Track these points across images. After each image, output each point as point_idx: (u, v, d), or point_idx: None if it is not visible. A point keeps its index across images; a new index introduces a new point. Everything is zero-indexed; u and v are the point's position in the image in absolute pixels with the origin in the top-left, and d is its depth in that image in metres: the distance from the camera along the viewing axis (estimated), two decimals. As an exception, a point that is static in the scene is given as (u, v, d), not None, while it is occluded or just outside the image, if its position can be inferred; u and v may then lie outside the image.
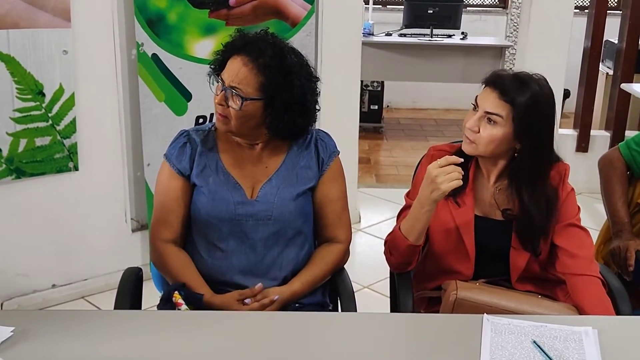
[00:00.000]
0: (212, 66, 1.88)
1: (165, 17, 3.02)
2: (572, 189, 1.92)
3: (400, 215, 1.98)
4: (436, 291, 1.91)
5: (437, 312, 1.78)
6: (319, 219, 1.96)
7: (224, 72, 1.80)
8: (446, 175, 1.71)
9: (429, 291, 1.96)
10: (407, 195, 2.01)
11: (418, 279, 2.04)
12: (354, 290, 1.94)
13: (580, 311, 1.78)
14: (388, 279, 2.17)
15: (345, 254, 1.97)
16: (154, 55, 3.03)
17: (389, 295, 2.20)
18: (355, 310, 1.84)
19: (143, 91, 3.05)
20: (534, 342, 1.50)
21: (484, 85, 1.86)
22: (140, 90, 3.04)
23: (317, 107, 1.89)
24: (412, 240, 1.84)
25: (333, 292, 2.00)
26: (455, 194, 1.90)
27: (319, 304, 1.93)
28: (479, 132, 1.81)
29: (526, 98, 1.77)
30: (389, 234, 1.96)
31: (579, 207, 1.94)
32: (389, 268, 2.12)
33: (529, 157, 1.83)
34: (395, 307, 2.03)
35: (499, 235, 1.90)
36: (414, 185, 2.00)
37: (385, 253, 1.98)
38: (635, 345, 1.55)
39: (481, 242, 1.91)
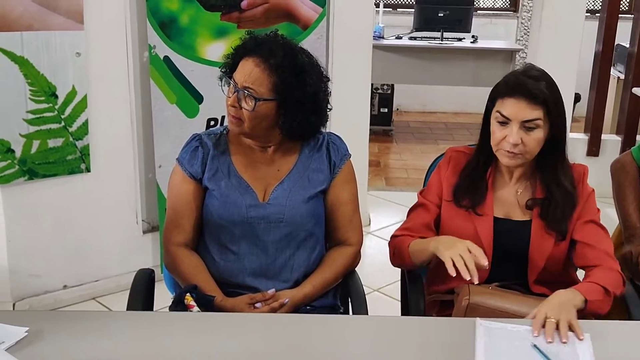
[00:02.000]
0: (223, 69, 1.89)
1: (177, 19, 3.03)
2: (593, 190, 1.94)
3: (412, 212, 2.00)
4: (448, 295, 1.91)
5: (449, 316, 1.77)
6: (330, 222, 1.96)
7: (235, 74, 1.81)
8: (464, 258, 1.67)
9: (441, 294, 1.96)
10: (421, 193, 2.02)
11: (430, 281, 2.04)
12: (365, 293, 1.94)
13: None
14: (398, 282, 2.17)
15: (357, 257, 1.98)
16: (166, 58, 3.04)
17: (399, 298, 2.20)
18: (367, 313, 1.84)
19: (155, 93, 3.06)
20: (535, 345, 1.50)
21: (503, 96, 1.82)
22: (152, 93, 3.06)
23: (329, 107, 1.89)
24: (415, 262, 1.88)
25: (344, 295, 2.00)
26: (474, 206, 1.90)
27: (330, 306, 1.93)
28: (522, 143, 1.80)
29: (549, 91, 1.79)
30: (397, 234, 1.96)
31: (599, 209, 1.95)
32: (399, 271, 2.13)
33: (560, 142, 1.86)
34: (406, 310, 2.02)
35: (518, 235, 1.90)
36: (429, 185, 2.01)
37: (389, 249, 1.99)
38: (626, 349, 1.55)
39: (499, 243, 1.91)
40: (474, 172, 1.92)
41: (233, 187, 1.87)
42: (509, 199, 1.93)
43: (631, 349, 1.55)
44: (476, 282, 1.66)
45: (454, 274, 1.66)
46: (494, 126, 1.83)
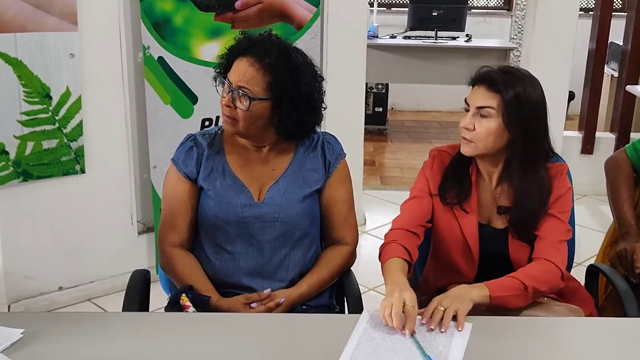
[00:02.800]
0: (217, 69, 1.89)
1: (171, 20, 3.03)
2: (570, 187, 1.91)
3: (404, 206, 1.98)
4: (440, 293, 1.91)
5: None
6: (325, 221, 1.96)
7: (230, 74, 1.81)
8: (393, 308, 1.57)
9: (435, 293, 1.96)
10: (413, 188, 2.01)
11: (426, 280, 2.05)
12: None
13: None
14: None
15: (352, 256, 1.98)
16: (160, 58, 3.04)
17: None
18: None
19: (149, 94, 3.06)
20: (413, 335, 1.53)
21: (471, 86, 1.87)
22: (146, 93, 3.05)
23: (324, 106, 1.90)
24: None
25: (340, 294, 2.00)
26: (461, 201, 1.91)
27: (325, 305, 1.94)
28: (474, 129, 1.82)
29: (512, 85, 1.79)
30: (388, 238, 1.91)
31: (570, 205, 1.91)
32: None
33: (522, 145, 1.82)
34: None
35: (499, 242, 1.90)
36: (417, 181, 1.99)
37: (380, 249, 1.93)
38: (503, 344, 1.55)
39: (484, 248, 1.91)
40: (458, 167, 1.93)
41: (228, 186, 1.87)
42: (489, 203, 1.93)
43: (509, 344, 1.55)
44: (408, 335, 1.55)
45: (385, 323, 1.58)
46: (462, 115, 1.87)
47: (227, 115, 1.81)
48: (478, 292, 1.69)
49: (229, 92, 1.80)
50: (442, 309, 1.61)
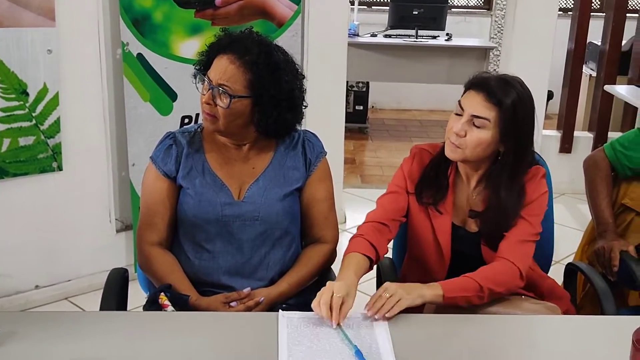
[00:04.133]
0: (197, 66, 1.88)
1: (150, 16, 3.00)
2: (546, 192, 1.88)
3: (380, 201, 1.96)
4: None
5: (422, 312, 1.78)
6: (305, 220, 1.96)
7: (210, 71, 1.80)
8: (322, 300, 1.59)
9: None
10: (390, 183, 1.99)
11: (403, 277, 2.06)
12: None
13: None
14: (374, 279, 2.17)
15: (332, 254, 1.98)
16: (139, 55, 3.01)
17: (375, 295, 2.20)
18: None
19: (128, 91, 3.03)
20: (339, 325, 1.54)
21: (467, 89, 1.83)
22: (125, 90, 3.03)
23: (304, 104, 1.89)
24: None
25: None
26: (436, 202, 1.89)
27: (306, 304, 1.92)
28: (465, 136, 1.78)
29: (512, 100, 1.75)
30: (358, 231, 1.90)
31: (541, 210, 1.88)
32: (375, 268, 2.13)
33: (512, 158, 1.81)
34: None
35: (472, 245, 1.90)
36: (394, 177, 1.98)
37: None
38: (421, 328, 1.59)
39: (457, 249, 1.91)
40: (437, 168, 1.91)
41: (207, 185, 1.86)
42: (465, 206, 1.92)
43: (485, 342, 1.56)
44: (333, 325, 1.57)
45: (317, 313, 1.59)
46: (452, 115, 1.83)
47: (207, 112, 1.80)
48: (431, 291, 1.70)
49: (209, 89, 1.78)
50: (387, 295, 1.63)
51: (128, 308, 1.96)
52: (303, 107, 1.89)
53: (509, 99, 1.75)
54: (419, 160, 1.94)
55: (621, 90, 4.27)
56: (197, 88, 1.86)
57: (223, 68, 1.77)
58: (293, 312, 1.62)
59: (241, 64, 1.76)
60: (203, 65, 1.85)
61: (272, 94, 1.78)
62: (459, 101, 1.82)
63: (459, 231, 1.91)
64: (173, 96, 3.12)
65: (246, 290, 1.81)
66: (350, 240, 1.86)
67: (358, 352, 1.44)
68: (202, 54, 1.87)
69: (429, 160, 1.93)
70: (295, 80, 1.85)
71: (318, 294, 1.61)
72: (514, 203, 1.82)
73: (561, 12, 4.83)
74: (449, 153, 1.83)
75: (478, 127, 1.77)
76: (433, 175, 1.91)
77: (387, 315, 1.61)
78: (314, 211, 1.94)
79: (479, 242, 1.90)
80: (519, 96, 1.77)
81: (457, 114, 1.81)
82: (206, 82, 1.80)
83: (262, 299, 1.80)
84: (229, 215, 1.84)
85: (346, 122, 4.17)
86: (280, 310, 1.63)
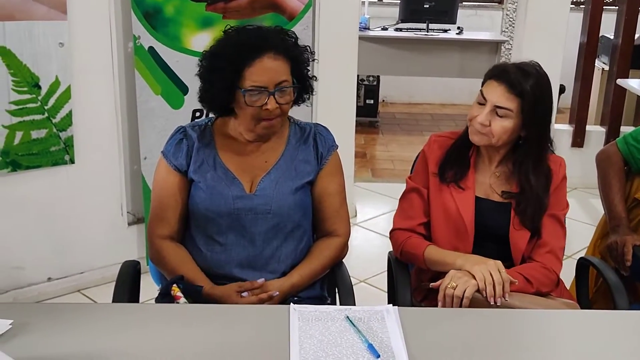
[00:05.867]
0: (227, 84, 1.77)
1: (162, 10, 3.00)
2: (565, 177, 1.98)
3: (406, 198, 2.03)
4: (434, 282, 1.91)
5: (436, 305, 1.78)
6: (317, 213, 1.96)
7: (252, 80, 1.74)
8: (494, 278, 1.74)
9: (426, 282, 1.97)
10: (410, 178, 2.06)
11: (418, 270, 2.06)
12: (352, 284, 1.94)
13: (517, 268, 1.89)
14: (384, 273, 2.18)
15: (344, 248, 1.98)
16: (151, 48, 3.01)
17: (385, 289, 2.20)
18: (354, 304, 1.84)
19: (140, 84, 3.04)
20: (347, 317, 1.54)
21: (488, 79, 1.89)
22: (137, 84, 3.03)
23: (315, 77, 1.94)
24: (430, 268, 1.93)
25: (331, 286, 2.00)
26: (457, 180, 1.95)
27: (317, 297, 1.93)
28: (489, 125, 1.86)
29: (532, 88, 1.83)
30: (402, 228, 2.00)
31: (567, 203, 1.98)
32: (386, 262, 2.13)
33: (535, 144, 1.90)
34: (393, 300, 2.03)
35: (498, 215, 1.94)
36: (416, 170, 2.06)
37: (392, 242, 2.04)
38: (432, 322, 1.61)
39: (481, 221, 1.94)
40: (459, 149, 1.98)
41: (219, 178, 1.86)
42: (488, 181, 1.97)
43: (501, 336, 1.56)
44: (499, 303, 1.72)
45: (484, 294, 1.74)
46: (474, 103, 1.91)
47: (271, 118, 1.80)
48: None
49: (269, 95, 1.76)
50: (451, 290, 1.74)
51: (140, 301, 1.97)
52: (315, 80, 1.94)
53: (528, 88, 1.83)
54: (438, 145, 2.02)
55: (634, 84, 4.24)
56: (245, 104, 1.77)
57: (273, 68, 1.77)
58: (305, 305, 1.62)
59: (282, 57, 1.79)
60: (229, 84, 1.77)
61: (305, 72, 1.86)
62: (481, 90, 1.90)
63: (483, 203, 1.96)
64: (184, 90, 3.13)
65: (260, 281, 1.81)
66: (398, 237, 1.99)
67: (371, 346, 1.44)
68: (224, 69, 1.76)
69: (451, 144, 2.00)
70: (310, 57, 1.91)
71: (483, 276, 1.74)
72: (544, 186, 1.92)
73: (573, 6, 4.81)
74: (475, 138, 1.91)
75: (501, 117, 1.85)
76: (455, 156, 1.98)
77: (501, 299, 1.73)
78: (325, 205, 1.94)
79: (504, 213, 1.94)
80: (538, 83, 1.85)
81: (479, 103, 1.89)
82: (257, 92, 1.75)
83: (277, 293, 1.80)
84: (241, 209, 1.84)
85: (357, 116, 4.16)
86: (291, 303, 1.63)
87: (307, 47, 1.89)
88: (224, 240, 1.86)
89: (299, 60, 1.83)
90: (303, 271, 1.88)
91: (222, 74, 1.77)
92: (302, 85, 1.88)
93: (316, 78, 1.93)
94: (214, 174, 1.87)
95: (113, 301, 1.81)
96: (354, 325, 1.52)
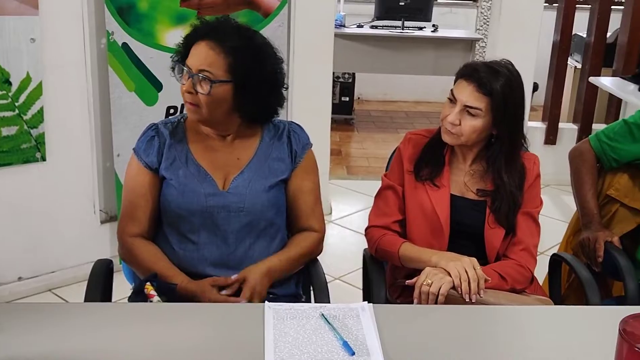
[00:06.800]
0: (175, 58, 1.87)
1: (135, 5, 2.97)
2: (539, 175, 2.00)
3: (381, 196, 2.04)
4: (409, 279, 1.92)
5: (412, 302, 1.79)
6: (292, 211, 1.95)
7: (189, 60, 1.79)
8: (469, 275, 1.75)
9: (401, 279, 1.97)
10: (385, 175, 2.07)
11: (393, 267, 2.06)
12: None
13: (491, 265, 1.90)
14: (360, 270, 2.18)
15: (320, 243, 1.97)
16: (125, 45, 2.98)
17: (360, 286, 2.20)
18: (329, 302, 1.84)
19: (113, 81, 3.00)
20: (322, 315, 1.54)
21: (458, 79, 1.90)
22: (110, 80, 3.00)
23: (285, 86, 1.90)
24: (405, 265, 1.94)
25: (306, 284, 2.00)
26: (433, 177, 1.96)
27: (292, 295, 1.93)
28: (459, 124, 1.86)
29: (501, 87, 1.84)
30: (377, 225, 2.01)
31: (541, 200, 2.00)
32: (361, 260, 2.13)
33: (507, 142, 1.91)
34: (367, 298, 2.03)
35: (473, 213, 1.96)
36: (392, 167, 2.06)
37: (368, 240, 2.04)
38: (407, 319, 1.62)
39: (456, 219, 1.95)
40: (434, 147, 1.99)
41: (191, 175, 1.85)
42: (463, 179, 1.98)
43: (474, 332, 1.57)
44: (474, 300, 1.73)
45: (459, 291, 1.75)
46: (445, 102, 1.92)
47: (190, 102, 1.79)
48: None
49: (189, 77, 1.77)
50: (427, 287, 1.75)
51: (113, 300, 1.95)
52: (284, 89, 1.89)
53: (498, 87, 1.83)
54: (414, 143, 2.02)
55: (606, 82, 4.29)
56: (177, 79, 1.84)
57: (203, 54, 1.76)
58: (280, 303, 1.62)
59: (221, 50, 1.76)
60: (181, 55, 1.84)
61: (254, 78, 1.78)
62: (452, 90, 1.91)
63: (458, 201, 1.96)
64: (158, 86, 3.10)
65: (234, 277, 1.80)
66: (373, 235, 2.00)
67: (345, 344, 1.44)
68: (180, 45, 1.86)
69: (426, 142, 2.01)
70: (276, 63, 1.85)
71: (458, 272, 1.75)
72: (517, 184, 1.94)
73: (547, 4, 4.86)
74: (446, 138, 1.92)
75: (471, 116, 1.86)
76: (430, 154, 1.98)
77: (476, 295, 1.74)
78: (300, 202, 1.94)
79: (479, 210, 1.95)
80: (508, 83, 1.86)
81: (450, 101, 1.90)
82: (185, 71, 1.79)
83: (244, 301, 1.77)
84: (214, 206, 1.83)
85: (332, 113, 4.17)
86: (266, 301, 1.62)
87: (273, 60, 1.83)
88: (196, 239, 1.85)
89: (245, 64, 1.76)
90: (281, 255, 1.87)
91: (179, 48, 1.85)
92: (240, 88, 1.77)
93: (286, 86, 1.90)
94: (186, 171, 1.85)
95: (85, 300, 1.79)
96: (329, 323, 1.51)
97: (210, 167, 1.87)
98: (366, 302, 1.61)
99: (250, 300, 1.76)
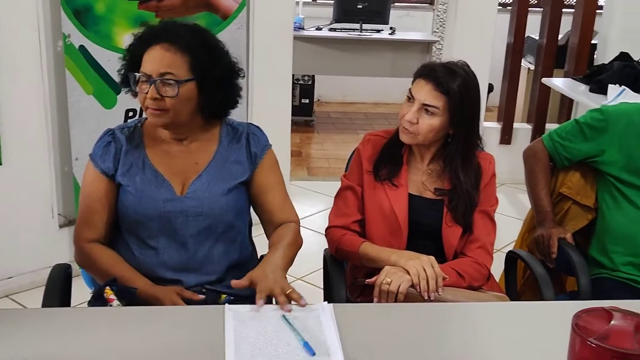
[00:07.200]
0: (122, 70, 1.83)
1: (92, 7, 2.95)
2: (494, 174, 2.04)
3: (340, 196, 2.06)
4: (369, 278, 1.94)
5: (372, 300, 1.81)
6: (264, 207, 1.92)
7: (145, 66, 1.76)
8: (427, 273, 1.78)
9: (361, 279, 2.00)
10: (345, 176, 2.09)
11: (353, 267, 2.09)
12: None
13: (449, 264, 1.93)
14: (321, 270, 2.19)
15: (299, 234, 1.92)
16: (82, 47, 2.95)
17: (322, 286, 2.22)
18: (290, 302, 1.84)
19: (70, 84, 2.97)
20: (283, 316, 1.55)
21: (416, 78, 1.93)
22: (67, 83, 2.97)
23: (242, 74, 1.90)
24: (365, 264, 1.97)
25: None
26: (391, 177, 1.99)
27: (252, 297, 1.92)
28: (417, 123, 1.89)
29: (458, 87, 1.87)
30: (337, 225, 2.02)
31: (497, 199, 2.04)
32: (322, 259, 2.15)
33: (463, 141, 1.95)
34: (329, 298, 2.05)
35: (431, 212, 1.99)
36: (351, 168, 2.08)
37: (328, 240, 2.05)
38: (368, 317, 1.64)
39: (414, 218, 1.98)
40: (392, 147, 2.02)
41: (148, 181, 1.83)
42: (420, 179, 2.01)
43: (429, 329, 1.60)
44: (433, 298, 1.76)
45: (418, 289, 1.78)
46: (404, 101, 1.95)
47: (155, 108, 1.76)
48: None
49: (150, 84, 1.75)
50: (386, 285, 1.77)
51: (72, 305, 1.92)
52: (241, 78, 1.89)
53: (455, 87, 1.87)
54: (373, 144, 2.05)
55: (558, 83, 4.39)
56: (133, 89, 1.80)
57: (160, 57, 1.74)
58: (241, 305, 1.62)
59: (178, 49, 1.75)
60: (130, 65, 1.81)
61: (214, 73, 1.78)
62: (410, 89, 1.94)
63: (416, 200, 1.99)
64: (117, 89, 3.07)
65: (201, 296, 1.77)
66: (333, 235, 2.02)
67: (306, 344, 1.45)
68: (126, 55, 1.83)
69: (384, 142, 2.03)
70: (228, 54, 1.86)
71: (417, 271, 1.77)
72: (473, 183, 1.97)
73: (501, 7, 4.94)
74: (404, 137, 1.95)
75: (429, 114, 1.89)
76: (388, 154, 2.01)
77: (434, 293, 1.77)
78: (269, 197, 1.91)
79: (436, 210, 1.98)
80: (465, 83, 1.89)
81: (408, 100, 1.93)
82: (144, 80, 1.76)
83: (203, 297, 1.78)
84: (171, 211, 1.81)
85: (292, 115, 4.18)
86: (226, 303, 1.62)
87: (226, 52, 1.84)
88: (155, 244, 1.83)
89: (203, 60, 1.77)
90: (277, 247, 1.81)
91: (126, 59, 1.82)
92: (202, 85, 1.77)
93: (243, 74, 1.89)
94: (143, 177, 1.83)
95: (42, 306, 1.76)
96: (290, 324, 1.52)
97: (167, 172, 1.85)
98: (326, 302, 1.62)
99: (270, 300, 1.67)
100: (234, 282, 1.69)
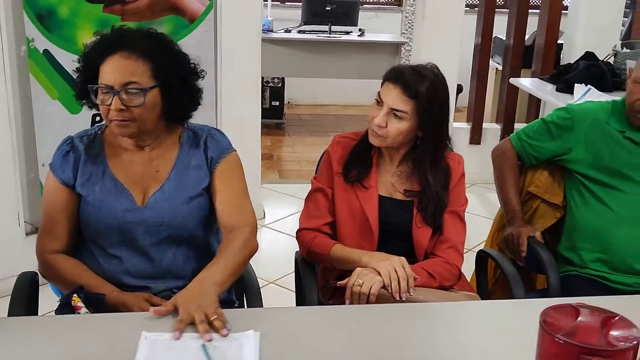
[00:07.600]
0: (79, 85, 1.78)
1: (56, 11, 2.91)
2: (463, 174, 2.05)
3: (311, 198, 2.05)
4: (341, 280, 1.94)
5: (344, 302, 1.81)
6: (216, 212, 1.86)
7: (104, 77, 1.70)
8: (398, 274, 1.78)
9: (333, 281, 2.00)
10: (315, 178, 2.08)
11: (324, 269, 2.08)
12: (260, 286, 1.93)
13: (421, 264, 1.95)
14: (293, 274, 2.19)
15: (253, 237, 1.82)
16: (46, 51, 2.91)
17: (294, 289, 2.21)
18: (262, 306, 1.84)
19: (35, 89, 2.92)
20: (203, 345, 1.45)
21: (385, 81, 1.93)
22: (32, 88, 2.92)
23: (202, 75, 1.86)
24: (337, 267, 1.96)
25: (239, 289, 1.99)
26: (361, 179, 1.99)
27: (225, 301, 1.89)
28: (386, 126, 1.90)
29: (427, 90, 1.88)
30: (308, 228, 2.02)
31: (466, 199, 2.05)
32: (294, 262, 2.15)
33: (432, 143, 1.95)
34: (301, 300, 2.04)
35: (401, 213, 1.99)
36: (321, 171, 2.07)
37: (299, 243, 2.04)
38: (339, 320, 1.63)
39: (385, 219, 1.99)
40: (361, 149, 2.02)
41: (108, 190, 1.79)
42: (390, 180, 2.02)
43: (401, 330, 1.59)
44: (404, 298, 1.76)
45: (390, 290, 1.78)
46: (373, 105, 1.95)
47: (121, 119, 1.71)
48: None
49: (113, 95, 1.69)
50: (358, 287, 1.77)
51: (40, 313, 1.89)
52: (201, 79, 1.86)
53: (423, 90, 1.87)
54: (343, 146, 2.04)
55: (525, 83, 4.44)
56: (94, 101, 1.73)
57: (121, 67, 1.69)
58: (159, 333, 1.48)
59: (138, 56, 1.70)
60: (87, 78, 1.75)
61: (176, 75, 1.76)
62: (379, 92, 1.94)
63: (386, 202, 2.00)
64: (82, 94, 3.03)
65: (163, 307, 1.63)
66: (304, 237, 2.01)
67: None
68: (80, 68, 1.77)
69: (354, 144, 2.03)
70: (186, 55, 1.83)
71: (388, 272, 1.77)
72: (443, 184, 1.98)
73: (468, 8, 5.00)
74: (373, 140, 1.95)
75: (398, 118, 1.90)
76: (358, 156, 2.01)
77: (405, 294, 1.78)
78: (217, 202, 1.84)
79: (406, 211, 1.99)
80: (433, 86, 1.90)
81: (377, 103, 1.93)
82: (105, 92, 1.70)
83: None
84: (131, 222, 1.77)
85: (263, 118, 4.16)
86: (143, 331, 1.48)
87: (185, 54, 1.81)
88: (119, 253, 1.80)
89: (165, 64, 1.73)
90: (214, 262, 1.72)
91: (81, 71, 1.77)
92: (166, 90, 1.74)
93: (203, 75, 1.85)
94: (103, 186, 1.79)
95: (9, 315, 1.73)
96: (208, 355, 1.43)
97: (128, 181, 1.81)
98: (252, 330, 1.50)
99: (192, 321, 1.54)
100: (153, 310, 1.57)
